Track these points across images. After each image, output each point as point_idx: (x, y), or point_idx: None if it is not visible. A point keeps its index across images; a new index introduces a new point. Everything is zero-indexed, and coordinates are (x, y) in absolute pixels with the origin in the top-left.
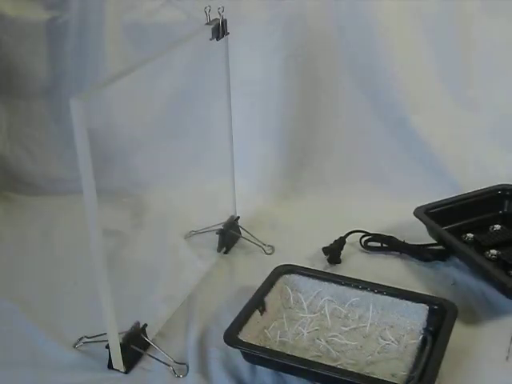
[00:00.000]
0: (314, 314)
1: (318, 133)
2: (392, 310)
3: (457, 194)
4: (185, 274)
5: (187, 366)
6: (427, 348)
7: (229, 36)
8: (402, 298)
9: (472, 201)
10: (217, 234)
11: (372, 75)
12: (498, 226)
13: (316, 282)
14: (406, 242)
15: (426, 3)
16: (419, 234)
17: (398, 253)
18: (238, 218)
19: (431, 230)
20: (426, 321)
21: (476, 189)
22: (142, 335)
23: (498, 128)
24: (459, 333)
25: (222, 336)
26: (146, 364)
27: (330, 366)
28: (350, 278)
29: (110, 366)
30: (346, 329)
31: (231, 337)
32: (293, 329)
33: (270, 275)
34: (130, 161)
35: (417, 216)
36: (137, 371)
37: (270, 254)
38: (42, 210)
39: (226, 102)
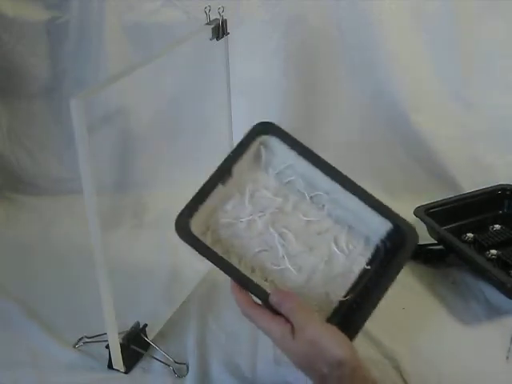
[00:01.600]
0: (279, 187)
1: (317, 133)
2: (356, 212)
3: (457, 194)
4: (185, 273)
5: (187, 366)
6: (372, 268)
7: (229, 36)
8: (369, 205)
9: (472, 201)
10: None
11: (372, 75)
12: (497, 226)
13: (293, 154)
14: None
15: (426, 3)
16: (419, 233)
17: None
18: None
19: (431, 230)
20: (385, 235)
21: (476, 189)
22: (142, 335)
23: (498, 128)
24: (459, 332)
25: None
26: (146, 364)
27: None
28: (329, 165)
29: (110, 365)
30: (304, 219)
31: (182, 224)
32: (249, 208)
33: (248, 133)
34: (130, 161)
35: (417, 216)
36: (137, 371)
37: None
38: (42, 210)
39: (226, 101)
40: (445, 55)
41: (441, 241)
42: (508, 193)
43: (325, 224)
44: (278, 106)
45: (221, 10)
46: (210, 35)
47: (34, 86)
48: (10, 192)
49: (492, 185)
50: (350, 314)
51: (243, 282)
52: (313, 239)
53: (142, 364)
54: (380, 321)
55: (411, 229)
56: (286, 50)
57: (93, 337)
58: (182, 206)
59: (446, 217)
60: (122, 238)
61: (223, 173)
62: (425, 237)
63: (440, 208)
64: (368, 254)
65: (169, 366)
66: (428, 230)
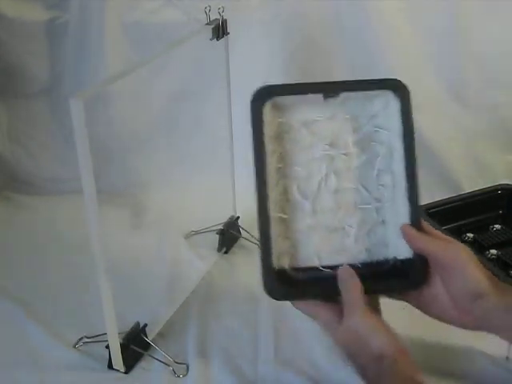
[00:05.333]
0: (365, 140)
1: None
2: (398, 219)
3: (457, 194)
4: (185, 273)
5: (187, 366)
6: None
7: (229, 36)
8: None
9: (472, 201)
10: (217, 234)
11: (372, 75)
12: (498, 226)
13: (400, 130)
14: None
15: (426, 3)
16: None
17: None
18: (238, 217)
19: None
20: (400, 257)
21: (476, 189)
22: (142, 335)
23: (498, 128)
24: (458, 332)
25: None
26: (146, 364)
27: None
28: (414, 161)
29: (110, 366)
30: (357, 185)
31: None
32: (327, 132)
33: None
34: (130, 161)
35: None
36: (137, 371)
37: None
38: (41, 209)
39: (226, 101)
40: (445, 55)
41: None
42: (508, 193)
43: (368, 202)
44: None
45: (221, 10)
46: (210, 35)
47: (33, 86)
48: (9, 192)
49: (492, 185)
50: (305, 281)
51: (258, 189)
52: (347, 204)
53: (141, 364)
54: None
55: (424, 270)
56: (286, 49)
57: (93, 337)
58: (182, 207)
59: (446, 217)
60: (122, 238)
61: (330, 89)
62: None
63: (440, 208)
64: (373, 258)
65: (169, 366)
66: None
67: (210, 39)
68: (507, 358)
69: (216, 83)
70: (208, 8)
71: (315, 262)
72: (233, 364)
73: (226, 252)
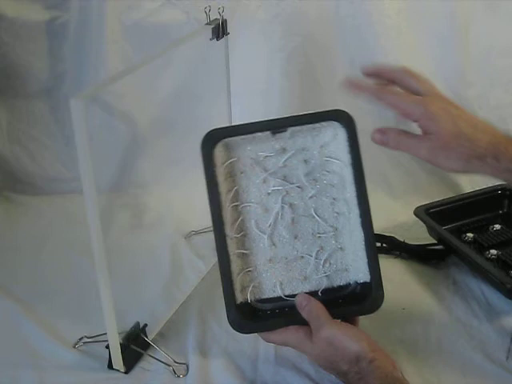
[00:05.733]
0: (315, 171)
1: None
2: (354, 245)
3: (457, 194)
4: (185, 273)
5: (187, 366)
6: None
7: (229, 36)
8: (366, 248)
9: (472, 201)
10: None
11: None
12: (498, 226)
13: (348, 158)
14: (406, 242)
15: (426, 3)
16: (419, 234)
17: (397, 253)
18: None
19: (431, 230)
20: (359, 282)
21: (476, 189)
22: (142, 335)
23: (498, 128)
24: (458, 332)
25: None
26: (146, 364)
27: None
28: (364, 188)
29: (110, 366)
30: (312, 213)
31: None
32: (279, 166)
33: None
34: (130, 161)
35: (417, 216)
36: (137, 371)
37: None
38: (41, 210)
39: (226, 102)
40: (445, 55)
41: (441, 241)
42: (508, 193)
43: (325, 230)
44: (278, 105)
45: (221, 10)
46: (210, 35)
47: (33, 86)
48: (9, 192)
49: (492, 185)
50: (270, 312)
51: (214, 219)
52: (304, 234)
53: (142, 364)
54: (380, 321)
55: (379, 295)
56: (286, 49)
57: (93, 337)
58: (182, 207)
59: (446, 217)
60: (122, 238)
61: (277, 126)
62: (425, 237)
63: (440, 208)
64: (334, 283)
65: (169, 365)
66: (428, 230)
67: (210, 39)
68: (507, 358)
69: (216, 83)
70: (208, 8)
71: (278, 293)
72: (233, 364)
73: None
